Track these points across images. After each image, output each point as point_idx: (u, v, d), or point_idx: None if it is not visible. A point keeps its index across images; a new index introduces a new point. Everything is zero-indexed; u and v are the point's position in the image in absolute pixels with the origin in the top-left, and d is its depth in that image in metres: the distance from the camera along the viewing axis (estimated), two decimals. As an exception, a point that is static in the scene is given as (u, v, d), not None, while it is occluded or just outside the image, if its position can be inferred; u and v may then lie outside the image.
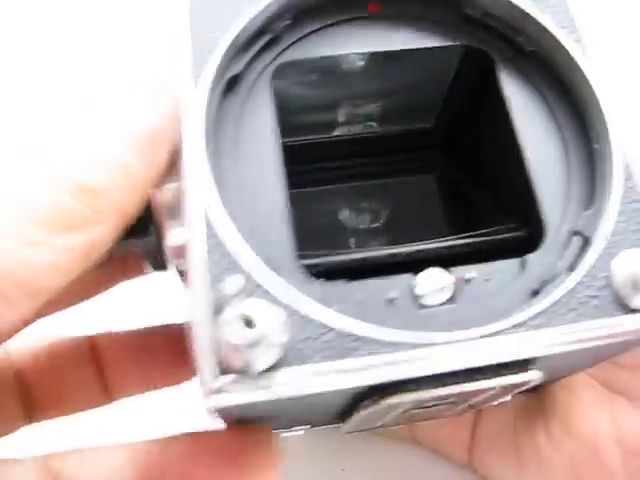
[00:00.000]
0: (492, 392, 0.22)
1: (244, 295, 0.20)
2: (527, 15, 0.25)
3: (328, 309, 0.20)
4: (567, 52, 0.25)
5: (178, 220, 0.21)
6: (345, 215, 0.34)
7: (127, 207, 0.21)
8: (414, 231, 0.31)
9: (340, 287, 0.21)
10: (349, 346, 0.20)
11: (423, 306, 0.22)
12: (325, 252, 0.25)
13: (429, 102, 0.33)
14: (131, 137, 0.21)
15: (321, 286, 0.21)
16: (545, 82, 0.26)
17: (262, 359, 0.19)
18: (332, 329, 0.20)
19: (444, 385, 0.20)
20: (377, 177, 0.34)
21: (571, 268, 0.23)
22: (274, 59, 0.24)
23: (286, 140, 0.24)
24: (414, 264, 0.23)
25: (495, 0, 0.25)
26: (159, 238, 0.23)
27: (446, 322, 0.21)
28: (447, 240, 0.27)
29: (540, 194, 0.24)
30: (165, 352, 0.29)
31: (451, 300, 0.22)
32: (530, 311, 0.21)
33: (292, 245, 0.22)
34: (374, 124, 0.33)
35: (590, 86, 0.25)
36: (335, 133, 0.34)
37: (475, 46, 0.26)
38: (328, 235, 0.34)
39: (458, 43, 0.26)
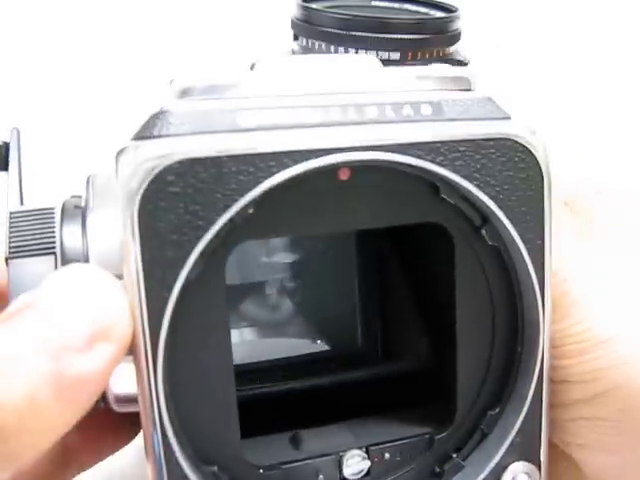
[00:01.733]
0: None
1: None
2: (496, 216, 0.25)
3: None
4: (523, 258, 0.25)
5: None
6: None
7: (40, 448, 0.20)
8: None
9: (276, 475, 0.24)
10: None
11: None
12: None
13: None
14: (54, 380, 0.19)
15: (262, 476, 0.24)
16: (493, 277, 0.26)
17: None
18: None
19: None
20: None
21: (466, 458, 0.26)
22: (230, 248, 0.22)
23: None
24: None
25: (471, 194, 0.24)
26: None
27: None
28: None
29: (459, 377, 0.26)
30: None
31: (368, 474, 0.26)
32: None
33: (239, 446, 0.23)
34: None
35: (535, 296, 0.25)
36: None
37: (441, 224, 0.25)
38: None
39: (425, 221, 0.25)
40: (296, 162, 0.21)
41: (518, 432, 0.26)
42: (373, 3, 0.60)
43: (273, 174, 0.21)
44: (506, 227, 0.25)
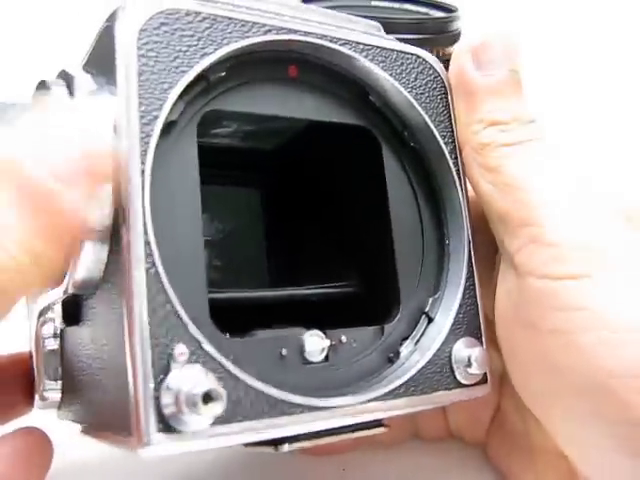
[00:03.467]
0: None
1: (185, 361, 0.22)
2: (417, 114, 0.30)
3: (249, 375, 0.23)
4: (442, 154, 0.30)
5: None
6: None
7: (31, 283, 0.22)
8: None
9: (239, 342, 0.25)
10: (263, 408, 0.24)
11: (307, 362, 0.27)
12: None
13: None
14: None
15: (226, 342, 0.25)
16: (417, 177, 0.30)
17: (199, 420, 0.21)
18: (253, 391, 0.23)
19: (322, 437, 0.26)
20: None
21: (417, 342, 0.29)
22: (204, 106, 0.26)
23: None
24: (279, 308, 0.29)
25: (395, 94, 0.29)
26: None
27: (324, 378, 0.27)
28: (319, 287, 0.32)
29: (399, 270, 0.29)
30: (14, 383, 0.30)
31: (326, 359, 0.27)
32: (391, 385, 0.27)
33: (207, 301, 0.24)
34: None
35: (455, 190, 0.30)
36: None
37: (368, 127, 0.30)
38: None
39: (357, 123, 0.29)
40: (264, 34, 0.26)
41: (458, 312, 0.29)
42: (373, 3, 0.60)
43: (246, 37, 0.26)
44: (428, 127, 0.30)
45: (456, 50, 0.31)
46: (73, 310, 0.27)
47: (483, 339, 0.30)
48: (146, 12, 0.24)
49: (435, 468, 0.37)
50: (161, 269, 0.22)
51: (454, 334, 0.29)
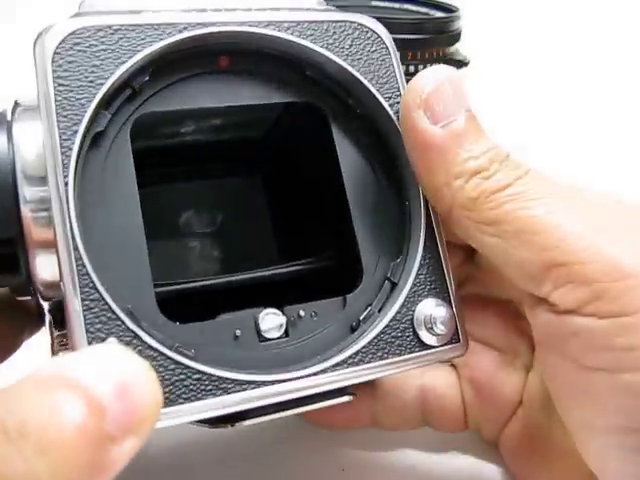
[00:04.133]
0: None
1: None
2: (357, 80, 0.29)
3: (188, 358, 0.24)
4: (389, 117, 0.29)
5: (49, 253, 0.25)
6: (188, 215, 0.37)
7: None
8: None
9: (194, 328, 0.26)
10: (208, 387, 0.25)
11: (264, 339, 0.27)
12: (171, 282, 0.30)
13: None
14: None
15: (179, 329, 0.26)
16: (369, 143, 0.30)
17: None
18: (194, 372, 0.24)
19: (285, 410, 0.27)
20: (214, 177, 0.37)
21: (381, 309, 0.28)
22: (132, 113, 0.27)
23: (137, 145, 0.27)
24: (246, 290, 0.29)
25: (331, 64, 0.29)
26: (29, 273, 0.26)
27: (283, 353, 0.27)
28: (275, 268, 0.32)
29: (360, 240, 0.29)
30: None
31: (285, 334, 0.27)
32: (348, 352, 0.27)
33: (153, 294, 0.25)
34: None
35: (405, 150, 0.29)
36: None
37: (312, 102, 0.30)
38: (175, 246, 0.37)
39: (298, 100, 0.30)
40: (179, 32, 0.27)
41: (418, 273, 0.28)
42: (373, 3, 0.60)
43: (160, 39, 0.27)
44: (370, 92, 0.29)
45: (403, 106, 0.29)
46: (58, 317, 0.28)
47: (452, 299, 0.29)
48: (59, 35, 0.25)
49: (435, 468, 0.37)
50: (90, 269, 0.24)
51: (416, 296, 0.28)
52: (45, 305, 0.26)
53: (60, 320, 0.27)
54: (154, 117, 0.28)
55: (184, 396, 0.24)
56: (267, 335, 0.27)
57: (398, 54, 0.31)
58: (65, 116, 0.25)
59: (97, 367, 0.19)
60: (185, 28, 0.27)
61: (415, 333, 0.28)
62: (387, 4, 0.60)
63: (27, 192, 0.25)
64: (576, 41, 0.66)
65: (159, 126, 0.32)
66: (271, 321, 0.27)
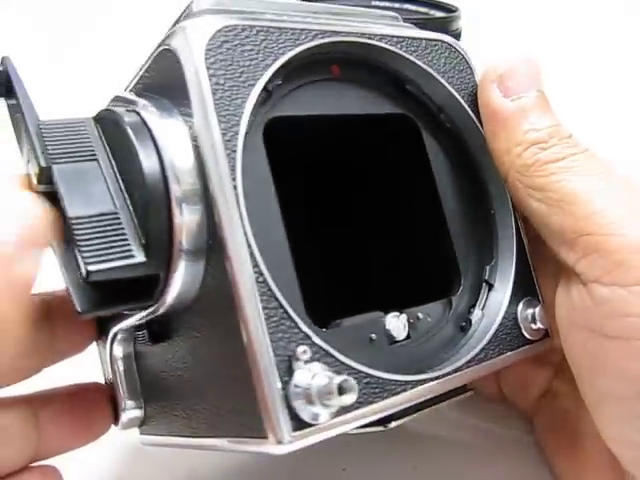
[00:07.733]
0: None
1: (307, 360, 0.23)
2: (453, 98, 0.32)
3: (358, 363, 0.25)
4: (479, 133, 0.32)
5: None
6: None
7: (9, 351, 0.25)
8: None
9: (332, 333, 0.26)
10: (377, 390, 0.25)
11: (394, 342, 0.28)
12: None
13: None
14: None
15: (322, 334, 0.25)
16: (457, 155, 0.32)
17: (328, 413, 0.23)
18: (365, 377, 0.25)
19: (422, 409, 0.29)
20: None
21: (483, 308, 0.31)
22: (265, 115, 0.27)
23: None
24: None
25: (430, 82, 0.31)
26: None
27: (412, 354, 0.28)
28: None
29: (457, 246, 0.31)
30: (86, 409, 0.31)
31: (408, 336, 0.29)
32: (475, 350, 0.29)
33: (301, 299, 0.25)
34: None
35: (493, 164, 0.31)
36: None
37: (407, 114, 0.32)
38: None
39: (399, 112, 0.31)
40: (311, 39, 0.27)
41: (515, 276, 0.31)
42: (373, 3, 0.60)
43: (298, 44, 0.27)
44: (462, 106, 0.32)
45: (481, 81, 0.32)
46: (158, 329, 0.28)
47: (540, 297, 0.32)
48: (207, 31, 0.24)
49: (435, 468, 0.37)
50: (268, 276, 0.23)
51: (515, 297, 0.31)
52: (141, 317, 0.26)
53: (158, 333, 0.27)
54: (279, 121, 0.27)
55: (360, 400, 0.24)
56: (396, 337, 0.28)
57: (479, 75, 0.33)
58: (224, 116, 0.24)
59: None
60: (317, 35, 0.27)
61: (519, 330, 0.31)
62: (387, 4, 0.60)
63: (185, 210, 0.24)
64: (576, 41, 0.66)
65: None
66: (396, 324, 0.29)
